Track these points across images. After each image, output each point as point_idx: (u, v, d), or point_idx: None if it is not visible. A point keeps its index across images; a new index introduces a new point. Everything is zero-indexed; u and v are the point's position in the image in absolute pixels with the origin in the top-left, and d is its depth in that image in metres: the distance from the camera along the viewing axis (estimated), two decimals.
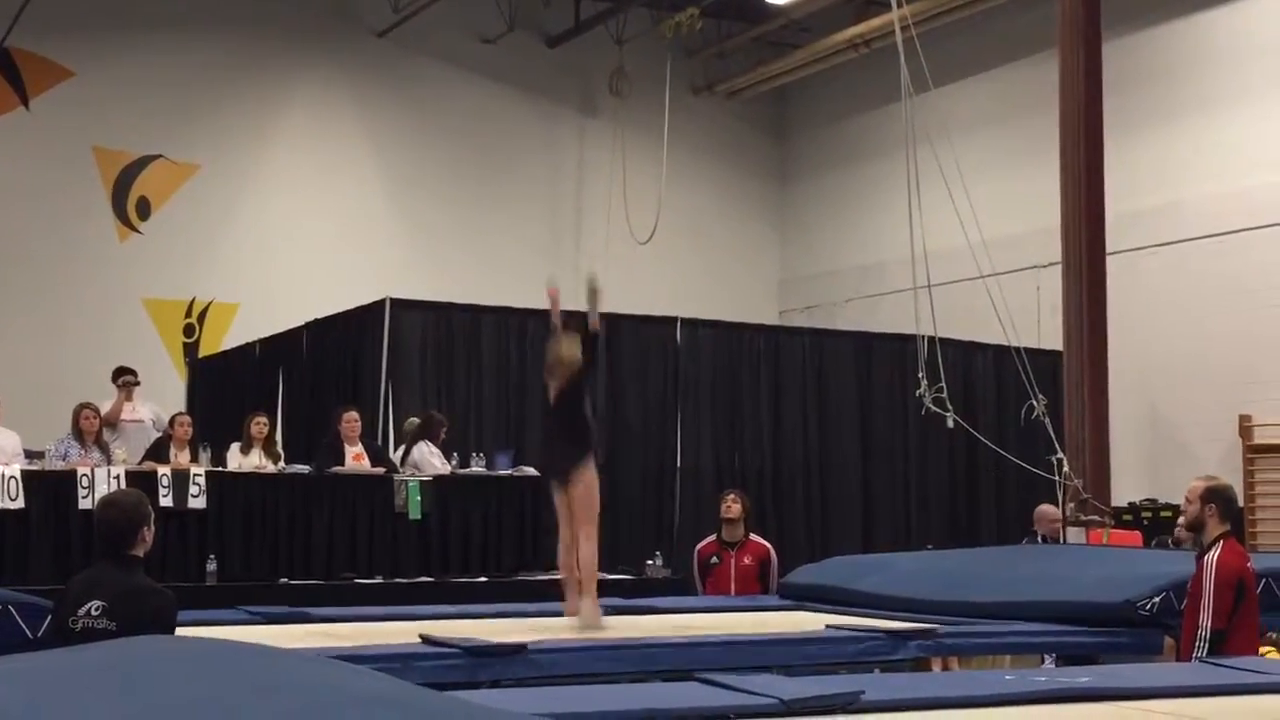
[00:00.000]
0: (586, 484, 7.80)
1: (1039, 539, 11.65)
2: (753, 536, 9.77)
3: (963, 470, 14.63)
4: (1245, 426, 14.70)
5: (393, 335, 12.33)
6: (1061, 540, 10.96)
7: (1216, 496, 6.59)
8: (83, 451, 10.45)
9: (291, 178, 18.18)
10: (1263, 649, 7.27)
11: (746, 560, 9.57)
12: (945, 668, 9.24)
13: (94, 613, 5.09)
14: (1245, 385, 14.71)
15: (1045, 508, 11.85)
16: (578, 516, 7.82)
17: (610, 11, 18.82)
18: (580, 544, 7.79)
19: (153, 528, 5.38)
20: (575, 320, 8.07)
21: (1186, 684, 5.28)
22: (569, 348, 7.81)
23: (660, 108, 19.08)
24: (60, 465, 10.21)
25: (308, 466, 11.03)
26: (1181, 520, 7.11)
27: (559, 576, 8.31)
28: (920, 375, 11.41)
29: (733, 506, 9.63)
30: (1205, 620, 6.35)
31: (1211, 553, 6.48)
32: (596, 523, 7.90)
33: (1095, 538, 10.73)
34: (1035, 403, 11.14)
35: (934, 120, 11.98)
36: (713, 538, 9.77)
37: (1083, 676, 5.44)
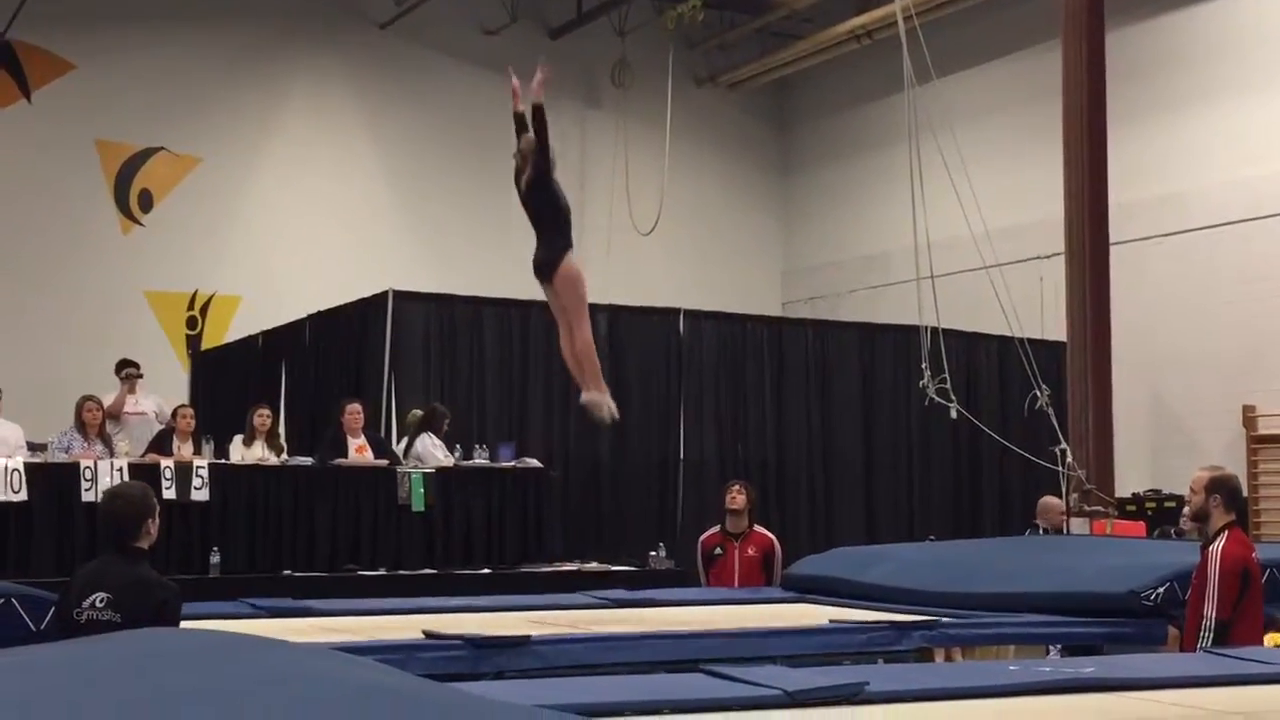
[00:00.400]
0: (566, 274, 7.73)
1: (1041, 533, 11.63)
2: (757, 528, 9.72)
3: (966, 461, 14.63)
4: (1249, 417, 14.69)
5: (395, 327, 12.32)
6: (1065, 531, 10.94)
7: (1221, 487, 6.59)
8: (85, 444, 10.44)
9: (293, 170, 18.17)
10: (1274, 636, 7.24)
11: (750, 551, 9.52)
12: (949, 659, 9.24)
13: (98, 605, 5.09)
14: (1249, 375, 14.70)
15: (1049, 500, 11.81)
16: (568, 308, 7.79)
17: (612, 3, 18.77)
18: (575, 334, 7.79)
19: (158, 520, 5.38)
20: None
21: (1191, 674, 5.27)
22: (529, 135, 7.82)
23: (663, 99, 19.05)
24: (63, 457, 10.20)
25: (310, 459, 11.03)
26: (1186, 511, 7.11)
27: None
28: (924, 366, 11.38)
29: (738, 497, 9.57)
30: (1210, 610, 6.35)
31: (1216, 543, 6.47)
32: (586, 310, 7.88)
33: (1099, 528, 10.72)
34: (1039, 393, 11.12)
35: (937, 110, 11.95)
36: (716, 529, 9.73)
37: (1087, 667, 5.42)
